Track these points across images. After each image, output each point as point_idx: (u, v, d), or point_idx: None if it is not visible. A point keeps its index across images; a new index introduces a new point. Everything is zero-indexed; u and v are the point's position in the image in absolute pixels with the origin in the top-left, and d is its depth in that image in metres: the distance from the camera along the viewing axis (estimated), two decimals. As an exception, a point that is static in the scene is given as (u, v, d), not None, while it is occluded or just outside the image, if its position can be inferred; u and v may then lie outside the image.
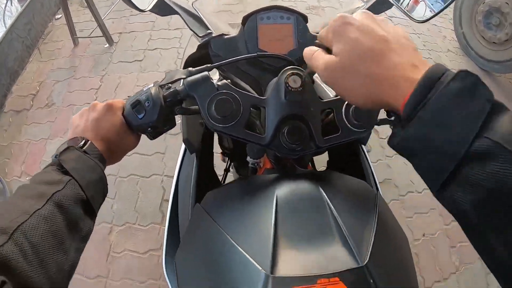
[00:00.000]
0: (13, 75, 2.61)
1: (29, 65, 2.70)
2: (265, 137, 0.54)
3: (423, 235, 1.80)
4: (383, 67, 0.35)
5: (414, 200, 1.91)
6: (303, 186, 0.55)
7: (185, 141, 0.72)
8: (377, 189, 0.74)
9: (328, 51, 0.42)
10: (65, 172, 0.48)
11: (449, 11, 3.66)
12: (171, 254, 0.71)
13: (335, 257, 0.44)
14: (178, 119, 0.65)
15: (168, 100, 0.56)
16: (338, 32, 0.39)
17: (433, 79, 0.32)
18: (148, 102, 0.54)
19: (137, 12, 0.71)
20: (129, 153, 1.69)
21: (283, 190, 0.53)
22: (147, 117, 0.55)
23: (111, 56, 2.70)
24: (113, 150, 0.59)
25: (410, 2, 0.77)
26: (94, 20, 2.74)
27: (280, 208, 0.50)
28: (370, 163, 0.78)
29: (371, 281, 0.43)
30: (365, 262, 0.43)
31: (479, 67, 3.17)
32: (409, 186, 1.95)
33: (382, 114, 0.47)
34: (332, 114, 0.56)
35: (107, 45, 2.81)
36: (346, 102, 0.54)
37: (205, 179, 0.76)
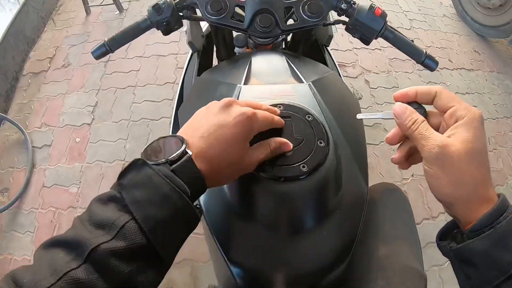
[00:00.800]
0: (30, 42, 2.86)
1: (44, 34, 2.93)
2: (244, 23, 0.78)
3: (412, 175, 1.94)
4: (483, 175, 0.39)
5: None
6: (270, 52, 0.80)
7: (189, 43, 0.98)
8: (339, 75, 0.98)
9: (432, 125, 0.43)
10: (125, 206, 0.37)
11: None
12: (175, 131, 0.92)
13: (288, 80, 0.68)
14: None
15: (177, 5, 0.80)
16: (476, 126, 0.40)
17: (505, 205, 0.38)
18: (164, 4, 0.79)
19: None
20: (139, 101, 1.87)
21: (257, 54, 0.79)
22: (162, 15, 0.79)
23: (122, 22, 2.90)
24: (221, 172, 0.45)
25: None
26: (104, -10, 2.95)
27: (253, 61, 0.74)
28: (337, 65, 1.03)
29: (313, 95, 0.64)
30: (309, 82, 0.66)
31: (475, 32, 3.24)
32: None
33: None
34: (292, 9, 0.79)
35: (118, 12, 3.01)
36: (303, 1, 0.77)
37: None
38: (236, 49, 1.00)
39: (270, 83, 0.66)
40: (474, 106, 2.32)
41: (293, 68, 0.72)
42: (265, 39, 0.85)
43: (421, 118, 0.42)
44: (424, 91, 0.44)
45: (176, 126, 0.92)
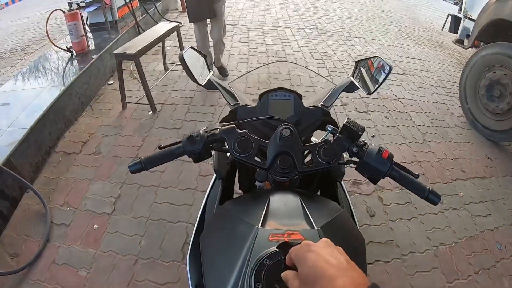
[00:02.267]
0: (67, 123, 3.40)
1: (82, 118, 3.50)
2: (266, 163, 0.95)
3: None
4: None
5: (415, 260, 2.33)
6: (287, 193, 0.96)
7: (216, 170, 1.18)
8: (352, 215, 1.17)
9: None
10: None
11: (456, 88, 4.37)
12: (194, 254, 1.06)
13: (300, 224, 0.81)
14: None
15: (209, 138, 0.98)
16: (300, 259, 0.54)
17: None
18: (197, 137, 0.97)
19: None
20: (160, 201, 2.34)
21: (275, 193, 0.94)
22: (195, 146, 0.97)
23: (154, 122, 3.49)
24: None
25: (365, 82, 1.28)
26: (142, 89, 3.61)
27: (271, 201, 0.88)
28: (348, 197, 1.26)
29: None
30: (318, 227, 0.77)
31: (486, 138, 3.70)
32: (411, 246, 2.41)
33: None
34: (309, 152, 0.97)
35: (151, 112, 3.63)
36: (318, 146, 0.94)
37: (227, 199, 1.15)
38: (257, 183, 1.13)
39: (284, 226, 0.79)
40: (489, 214, 2.78)
41: (305, 211, 0.84)
42: (283, 178, 0.97)
43: (293, 273, 0.56)
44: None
45: (194, 251, 1.03)
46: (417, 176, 0.96)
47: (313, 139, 1.38)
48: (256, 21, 7.58)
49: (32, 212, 2.52)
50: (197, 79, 1.20)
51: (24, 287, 2.07)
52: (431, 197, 0.93)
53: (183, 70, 1.23)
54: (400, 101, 4.36)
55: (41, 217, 2.48)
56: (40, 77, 4.01)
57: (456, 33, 4.84)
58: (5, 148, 2.75)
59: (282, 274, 0.58)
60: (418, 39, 7.44)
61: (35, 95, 3.52)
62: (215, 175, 1.25)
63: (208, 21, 4.17)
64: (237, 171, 1.37)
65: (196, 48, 3.20)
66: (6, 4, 12.92)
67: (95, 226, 2.41)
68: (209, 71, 1.31)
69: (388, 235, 2.49)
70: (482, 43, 4.17)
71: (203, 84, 1.25)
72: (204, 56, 1.31)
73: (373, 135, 3.54)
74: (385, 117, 3.94)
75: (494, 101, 3.61)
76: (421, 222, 2.63)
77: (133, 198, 2.61)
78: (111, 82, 4.35)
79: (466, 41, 4.53)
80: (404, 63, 5.75)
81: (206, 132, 1.00)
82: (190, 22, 4.17)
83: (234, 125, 0.99)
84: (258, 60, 5.19)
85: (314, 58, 5.49)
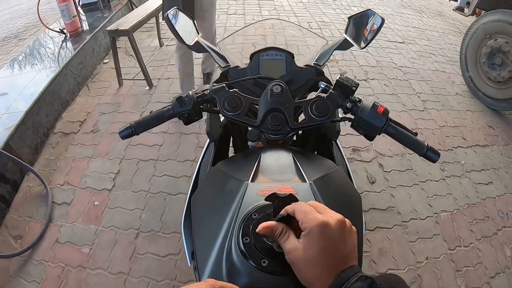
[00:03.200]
0: (64, 103, 3.48)
1: (78, 98, 3.57)
2: (257, 121, 0.96)
3: (426, 258, 2.21)
4: (320, 272, 0.55)
5: (417, 227, 2.38)
6: (279, 149, 0.98)
7: (207, 133, 1.20)
8: (349, 174, 1.17)
9: (293, 228, 0.60)
10: None
11: (456, 57, 4.40)
12: (188, 219, 1.07)
13: (292, 179, 0.83)
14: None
15: (199, 99, 1.00)
16: (315, 234, 0.55)
17: (344, 279, 0.53)
18: (186, 98, 0.98)
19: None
20: (159, 174, 2.39)
21: (266, 150, 0.97)
22: (184, 107, 0.98)
23: (151, 97, 3.55)
24: None
25: (359, 37, 1.29)
26: (138, 66, 3.65)
27: (262, 158, 0.91)
28: (344, 156, 1.26)
29: (313, 194, 0.77)
30: (310, 181, 0.79)
31: (487, 107, 3.73)
32: (412, 213, 2.45)
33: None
34: (301, 108, 0.99)
35: (148, 87, 3.68)
36: (311, 101, 0.95)
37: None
38: (249, 143, 1.16)
39: (274, 181, 0.81)
40: (491, 182, 2.82)
41: (298, 166, 0.86)
42: (275, 135, 1.00)
43: (281, 230, 0.60)
44: (282, 213, 0.62)
45: (189, 212, 1.03)
46: (415, 134, 0.96)
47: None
48: None
49: (34, 194, 2.62)
50: (184, 40, 1.21)
51: (29, 268, 2.18)
52: (430, 154, 0.94)
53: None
54: (400, 69, 4.35)
55: (42, 198, 2.58)
56: (34, 61, 4.09)
57: (456, 0, 4.78)
58: (4, 132, 2.84)
59: (269, 222, 0.61)
60: (417, 8, 7.37)
61: (31, 79, 3.59)
62: (208, 139, 1.26)
63: None
64: (230, 135, 1.39)
65: (179, 69, 3.12)
66: None
67: (95, 202, 2.50)
68: (198, 33, 1.31)
69: (389, 202, 2.52)
70: (483, 10, 4.12)
71: (191, 45, 1.25)
72: (192, 18, 1.31)
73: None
74: (384, 85, 3.94)
75: (496, 69, 3.63)
76: (422, 189, 2.65)
77: (132, 173, 2.68)
78: (107, 60, 4.40)
79: (466, 9, 4.48)
80: (403, 32, 5.75)
81: (196, 93, 1.01)
82: (163, 19, 3.66)
83: (224, 85, 1.00)
84: (255, 32, 5.13)
85: (311, 28, 5.49)
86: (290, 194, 0.64)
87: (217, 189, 0.87)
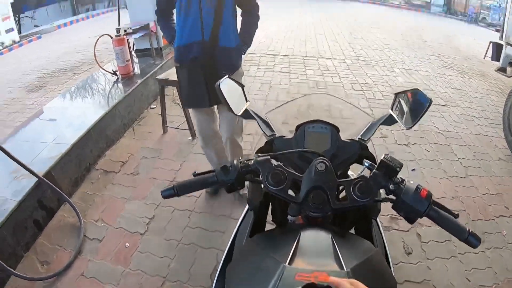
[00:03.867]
0: (109, 142, 3.72)
1: (123, 139, 3.82)
2: (299, 197, 0.98)
3: None
4: None
5: None
6: (318, 230, 0.99)
7: (248, 200, 1.21)
8: (387, 255, 1.19)
9: None
10: None
11: (499, 119, 4.36)
12: (220, 283, 1.11)
13: (329, 265, 0.83)
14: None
15: (243, 169, 1.03)
16: None
17: None
18: (231, 167, 1.02)
19: None
20: (193, 226, 2.51)
21: (306, 229, 0.98)
22: (228, 176, 1.03)
23: (192, 147, 3.73)
24: None
25: (405, 115, 1.32)
26: (183, 115, 3.89)
27: (301, 238, 0.92)
28: (383, 235, 1.27)
29: None
30: (348, 269, 0.79)
31: None
32: None
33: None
34: (344, 189, 1.00)
35: (191, 138, 3.88)
36: (354, 182, 0.97)
37: (258, 229, 1.24)
38: (289, 217, 1.19)
39: (312, 265, 0.82)
40: None
41: (336, 251, 0.87)
42: (316, 213, 1.00)
43: None
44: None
45: (222, 280, 1.06)
46: (457, 215, 0.96)
47: (350, 172, 1.42)
48: (297, 51, 8.05)
49: (67, 224, 2.75)
50: (233, 109, 1.27)
51: None
52: (471, 239, 0.93)
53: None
54: (442, 133, 4.38)
55: (75, 230, 2.70)
56: (86, 97, 4.44)
57: (498, 61, 4.82)
58: (48, 160, 3.06)
59: None
60: (459, 68, 7.55)
61: (80, 113, 3.90)
62: (247, 206, 1.29)
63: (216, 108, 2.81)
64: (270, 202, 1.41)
65: (209, 159, 2.94)
66: (59, 26, 14.29)
67: (126, 244, 2.58)
68: (246, 101, 1.38)
69: (425, 274, 2.47)
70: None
71: (240, 114, 1.32)
72: (242, 85, 1.38)
73: (413, 169, 3.56)
74: (426, 150, 3.97)
75: None
76: (460, 262, 2.59)
77: (166, 221, 2.78)
78: (154, 106, 4.73)
79: (509, 69, 4.53)
80: (445, 94, 5.85)
81: (241, 162, 1.05)
82: (183, 107, 3.53)
83: (269, 156, 1.04)
84: (299, 90, 5.49)
85: (354, 89, 5.72)
86: (328, 286, 0.70)
87: (254, 265, 0.89)
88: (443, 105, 5.35)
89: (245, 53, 2.64)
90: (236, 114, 1.31)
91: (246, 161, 1.05)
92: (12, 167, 2.90)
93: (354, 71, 6.72)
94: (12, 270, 2.31)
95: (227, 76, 1.32)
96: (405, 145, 4.01)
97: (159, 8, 2.62)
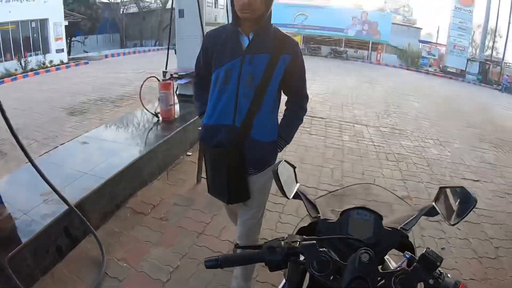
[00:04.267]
0: (142, 183, 3.77)
1: (156, 182, 3.87)
2: (342, 285, 1.01)
3: None
4: None
5: None
6: None
7: (288, 278, 1.25)
8: None
9: None
10: None
11: None
12: None
13: None
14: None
15: (289, 251, 1.05)
16: None
17: None
18: (278, 249, 1.04)
19: None
20: (217, 284, 2.45)
21: None
22: (274, 256, 1.04)
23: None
24: None
25: (448, 211, 1.31)
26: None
27: None
28: None
29: None
30: None
31: None
32: None
33: None
34: (384, 280, 1.03)
35: (222, 194, 3.93)
36: (395, 274, 1.01)
37: None
38: None
39: None
40: None
41: None
42: None
43: None
44: None
45: None
46: None
47: (387, 257, 1.43)
48: (334, 115, 8.31)
49: (89, 257, 2.72)
50: (286, 192, 1.33)
51: None
52: None
53: None
54: (473, 211, 4.23)
55: (96, 264, 2.66)
56: (126, 133, 4.59)
57: None
58: (81, 191, 3.11)
59: None
60: (493, 142, 7.60)
61: (119, 149, 4.01)
62: (284, 281, 1.33)
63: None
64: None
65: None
66: (106, 56, 15.17)
67: (147, 290, 2.55)
68: (296, 182, 1.44)
69: None
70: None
71: (291, 198, 1.37)
72: (293, 167, 1.44)
73: (443, 247, 3.47)
74: (457, 227, 3.82)
75: None
76: None
77: (190, 273, 2.69)
78: (190, 153, 4.82)
79: None
80: (479, 169, 5.83)
81: (287, 243, 1.07)
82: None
83: (315, 242, 1.07)
84: (334, 155, 5.60)
85: (388, 160, 5.77)
86: None
87: None
88: (476, 181, 5.33)
89: (281, 150, 2.18)
90: (287, 197, 1.35)
91: (292, 242, 1.08)
92: (43, 189, 2.95)
93: (389, 140, 6.89)
94: (26, 291, 2.28)
95: (284, 160, 1.38)
96: (437, 221, 3.89)
97: (197, 73, 2.30)
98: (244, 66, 1.93)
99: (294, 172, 1.45)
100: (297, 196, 1.40)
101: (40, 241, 2.61)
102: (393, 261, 1.35)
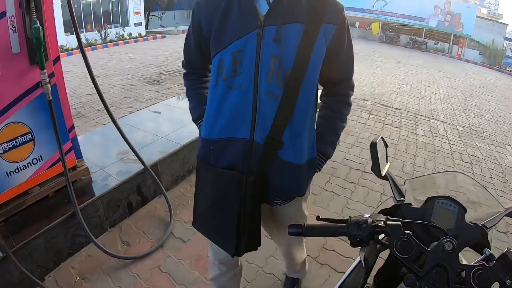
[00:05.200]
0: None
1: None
2: (422, 271, 1.02)
3: None
4: None
5: None
6: None
7: (365, 260, 1.23)
8: None
9: None
10: None
11: None
12: None
13: None
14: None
15: (375, 228, 1.08)
16: None
17: None
18: (364, 225, 1.07)
19: None
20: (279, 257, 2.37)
21: None
22: (360, 232, 1.08)
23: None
24: None
25: None
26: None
27: None
28: None
29: None
30: None
31: None
32: None
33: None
34: (464, 272, 1.02)
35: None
36: (474, 268, 1.00)
37: None
38: (403, 285, 1.19)
39: None
40: None
41: None
42: None
43: None
44: None
45: None
46: None
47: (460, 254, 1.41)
48: (410, 107, 7.99)
49: (157, 216, 2.84)
50: (380, 169, 1.36)
51: (122, 274, 2.35)
52: None
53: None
54: None
55: (163, 224, 2.78)
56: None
57: None
58: (157, 154, 3.26)
59: None
60: None
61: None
62: (358, 259, 1.34)
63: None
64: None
65: None
66: (183, 31, 15.85)
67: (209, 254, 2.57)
68: (387, 162, 1.44)
69: None
70: None
71: (383, 175, 1.39)
72: (387, 145, 1.44)
73: None
74: None
75: None
76: None
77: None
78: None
79: None
80: None
81: (373, 220, 1.10)
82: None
83: (401, 223, 1.09)
84: (407, 149, 5.38)
85: (462, 160, 5.45)
86: None
87: None
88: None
89: (320, 170, 1.54)
90: (379, 176, 1.38)
91: (377, 220, 1.10)
92: (121, 148, 3.15)
93: (465, 140, 6.49)
94: (94, 238, 2.41)
95: (381, 136, 1.36)
96: (503, 232, 3.67)
97: (187, 61, 1.63)
98: (264, 45, 1.23)
99: (386, 151, 1.45)
100: (386, 177, 1.41)
101: (113, 195, 2.78)
102: (463, 257, 1.29)
